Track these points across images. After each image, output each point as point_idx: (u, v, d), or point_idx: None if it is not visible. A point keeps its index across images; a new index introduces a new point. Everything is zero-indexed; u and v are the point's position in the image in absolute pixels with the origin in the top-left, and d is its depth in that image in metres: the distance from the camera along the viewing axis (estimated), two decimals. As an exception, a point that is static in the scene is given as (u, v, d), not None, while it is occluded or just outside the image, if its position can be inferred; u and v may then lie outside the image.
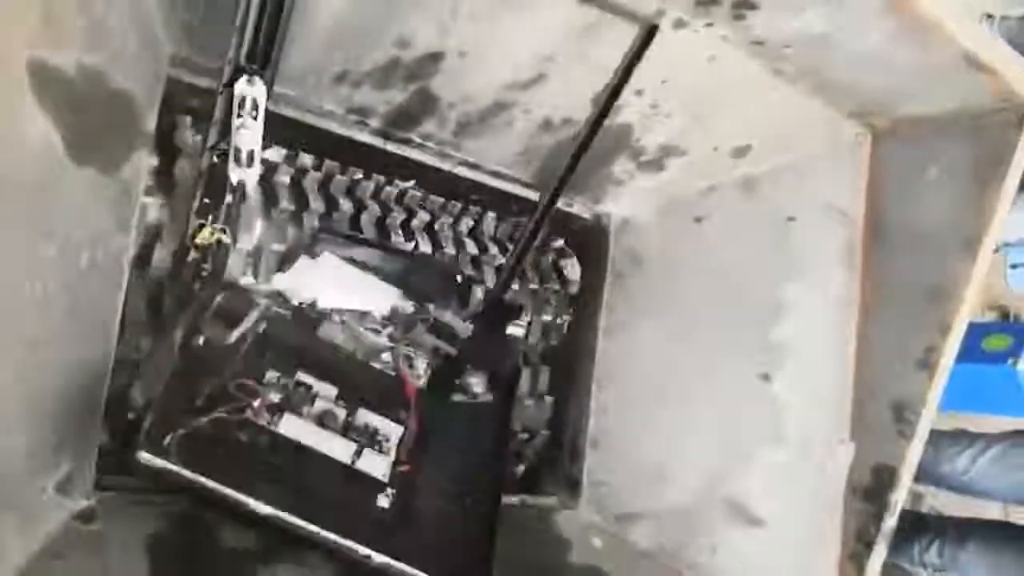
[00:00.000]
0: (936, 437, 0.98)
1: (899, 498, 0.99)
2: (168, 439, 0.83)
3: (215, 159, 0.93)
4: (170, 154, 0.98)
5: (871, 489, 1.00)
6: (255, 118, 0.89)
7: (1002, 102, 0.94)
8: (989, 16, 0.87)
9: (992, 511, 2.23)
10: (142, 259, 0.95)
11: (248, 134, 0.90)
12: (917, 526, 2.03)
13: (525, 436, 1.34)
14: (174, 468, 0.82)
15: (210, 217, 0.95)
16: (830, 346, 1.08)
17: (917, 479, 1.02)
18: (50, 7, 0.68)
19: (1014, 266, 2.96)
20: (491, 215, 1.28)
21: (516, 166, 1.20)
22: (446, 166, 1.17)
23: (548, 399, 1.35)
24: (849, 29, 0.88)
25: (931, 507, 2.45)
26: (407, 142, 1.11)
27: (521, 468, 1.35)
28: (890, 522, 0.99)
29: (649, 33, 0.95)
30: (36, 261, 0.71)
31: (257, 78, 0.86)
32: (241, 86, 0.86)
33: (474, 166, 1.19)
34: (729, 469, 1.15)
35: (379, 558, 0.90)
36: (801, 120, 1.09)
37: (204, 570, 0.83)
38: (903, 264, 1.04)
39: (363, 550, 0.89)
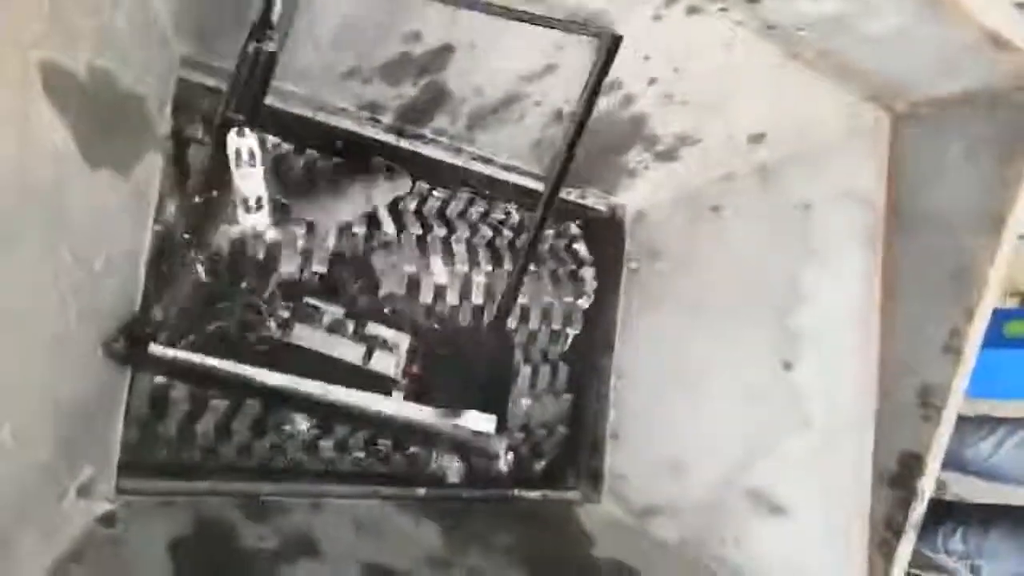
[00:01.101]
0: (959, 423, 0.97)
1: (927, 485, 0.98)
2: (180, 340, 0.89)
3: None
4: (183, 155, 0.97)
5: (897, 476, 0.99)
6: (253, 165, 0.89)
7: (1025, 79, 0.93)
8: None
9: (1018, 497, 2.21)
10: (157, 260, 0.95)
11: (251, 182, 0.90)
12: (940, 513, 2.02)
13: (545, 431, 1.34)
14: (183, 355, 0.87)
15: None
16: (853, 332, 1.07)
17: (942, 466, 1.00)
18: (60, 9, 0.67)
19: (1035, 251, 2.92)
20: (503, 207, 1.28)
21: (529, 159, 1.19)
22: (459, 161, 1.16)
23: (567, 394, 1.34)
24: (865, 10, 0.86)
25: (955, 494, 2.43)
26: (420, 138, 1.10)
27: (542, 462, 1.34)
28: (919, 509, 0.98)
29: (614, 44, 0.95)
30: (52, 264, 0.71)
31: (247, 129, 0.87)
32: (233, 139, 0.87)
33: (487, 160, 1.18)
34: (752, 459, 1.14)
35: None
36: (818, 105, 1.07)
37: (226, 571, 0.83)
38: (926, 248, 1.02)
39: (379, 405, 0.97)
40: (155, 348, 0.86)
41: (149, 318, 0.88)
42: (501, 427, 1.07)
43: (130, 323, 0.86)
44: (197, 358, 0.89)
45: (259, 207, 0.93)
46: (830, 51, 0.96)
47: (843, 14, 0.87)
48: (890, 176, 1.07)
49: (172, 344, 0.88)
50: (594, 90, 1.00)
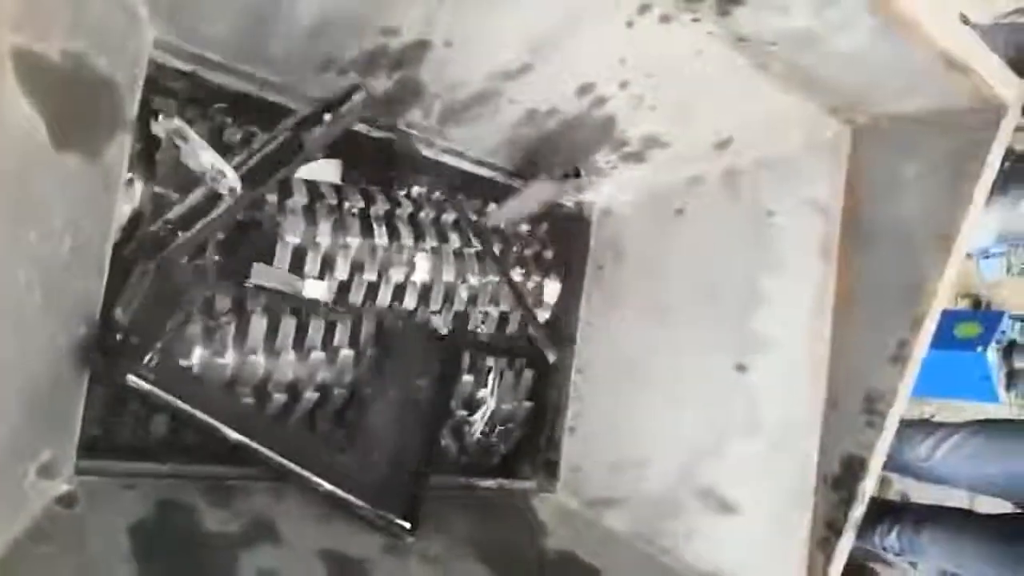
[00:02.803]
0: (900, 426, 1.02)
1: (868, 488, 1.02)
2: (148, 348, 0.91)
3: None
4: (152, 138, 0.97)
5: (840, 478, 1.03)
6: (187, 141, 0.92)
7: (979, 102, 0.96)
8: (965, 20, 0.89)
9: (951, 498, 2.29)
10: (124, 242, 0.95)
11: (197, 157, 0.92)
12: (878, 511, 2.09)
13: (504, 421, 1.36)
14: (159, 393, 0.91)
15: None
16: (806, 339, 1.10)
17: (883, 466, 1.05)
18: (34, -8, 0.67)
19: (986, 256, 3.02)
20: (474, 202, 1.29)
21: (501, 155, 1.21)
22: (430, 153, 1.17)
23: (527, 385, 1.37)
24: (832, 27, 0.89)
25: (899, 492, 2.52)
26: (391, 129, 1.11)
27: (500, 453, 1.36)
28: (858, 510, 1.02)
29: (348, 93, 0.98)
30: (17, 247, 0.71)
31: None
32: (158, 126, 0.91)
33: (459, 154, 1.19)
34: (704, 457, 1.18)
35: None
36: (783, 115, 1.10)
37: (186, 554, 0.84)
38: (879, 259, 1.06)
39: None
40: (132, 380, 0.89)
41: (116, 323, 0.89)
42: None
43: (101, 334, 0.87)
44: (172, 399, 0.92)
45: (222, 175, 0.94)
46: (797, 64, 0.98)
47: (811, 30, 0.90)
48: (848, 188, 1.10)
49: (142, 357, 0.90)
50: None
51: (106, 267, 0.87)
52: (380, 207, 1.18)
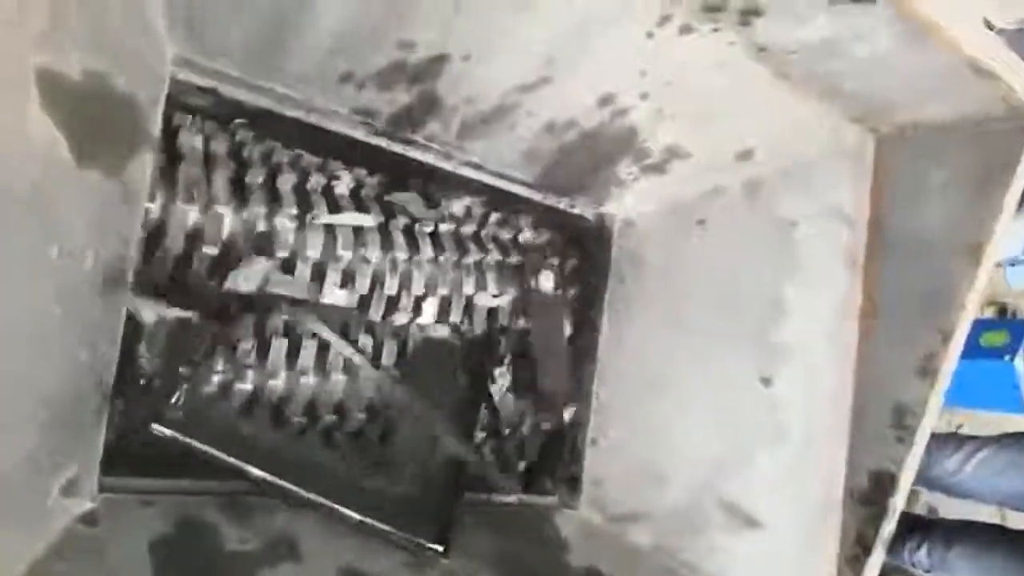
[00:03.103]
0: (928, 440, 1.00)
1: (898, 504, 1.00)
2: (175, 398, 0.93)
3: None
4: (173, 154, 0.98)
5: (869, 493, 1.01)
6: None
7: (1008, 109, 0.94)
8: (989, 25, 0.87)
9: (981, 513, 2.25)
10: (145, 259, 0.95)
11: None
12: (907, 526, 2.05)
13: (525, 434, 1.35)
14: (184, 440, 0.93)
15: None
16: (831, 350, 1.08)
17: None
18: (55, 10, 0.67)
19: (1012, 263, 2.97)
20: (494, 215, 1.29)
21: (519, 168, 1.20)
22: (449, 166, 1.16)
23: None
24: (855, 35, 0.88)
25: (926, 504, 2.47)
26: (411, 143, 1.11)
27: (520, 467, 1.35)
28: (889, 527, 1.00)
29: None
30: (40, 263, 0.71)
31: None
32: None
33: (477, 167, 1.19)
34: (728, 471, 1.16)
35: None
36: (806, 124, 1.08)
37: (207, 571, 0.83)
38: (905, 270, 1.04)
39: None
40: (157, 429, 0.92)
41: (138, 365, 0.91)
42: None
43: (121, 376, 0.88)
44: (197, 444, 0.94)
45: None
46: (818, 73, 0.97)
47: (833, 39, 0.89)
48: (874, 197, 1.09)
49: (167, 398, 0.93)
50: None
51: (128, 283, 0.87)
52: (400, 221, 1.18)
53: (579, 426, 1.34)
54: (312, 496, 0.96)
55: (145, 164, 0.87)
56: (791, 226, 1.16)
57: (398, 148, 1.11)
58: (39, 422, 0.75)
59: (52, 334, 0.76)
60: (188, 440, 0.92)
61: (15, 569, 0.70)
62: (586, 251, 1.38)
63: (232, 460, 0.94)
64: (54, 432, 0.77)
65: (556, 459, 1.35)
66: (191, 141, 1.00)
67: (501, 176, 1.22)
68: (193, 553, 0.84)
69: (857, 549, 1.01)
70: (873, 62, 0.91)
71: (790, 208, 1.16)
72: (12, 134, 0.64)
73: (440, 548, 1.01)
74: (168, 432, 0.91)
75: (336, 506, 0.97)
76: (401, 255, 1.16)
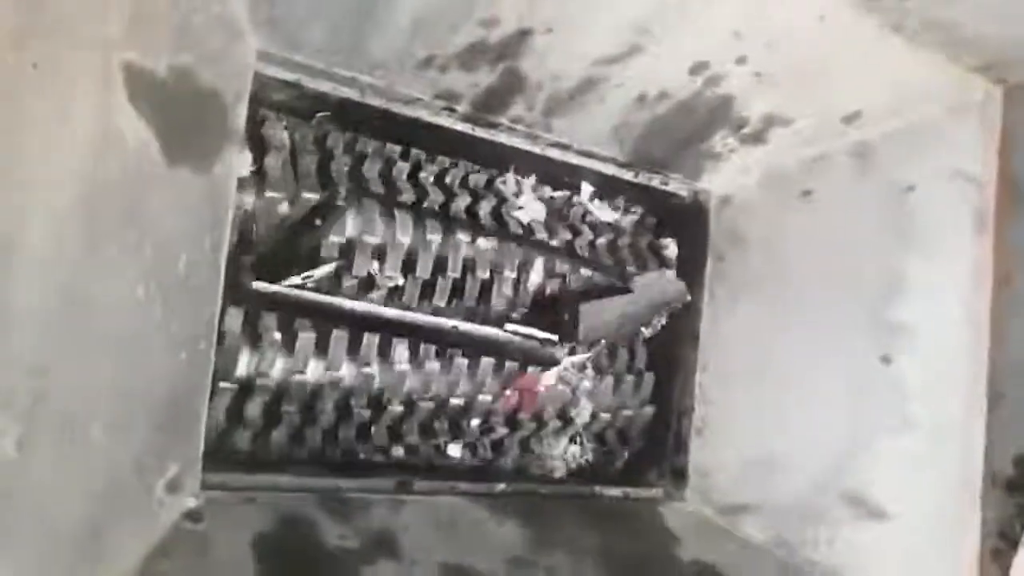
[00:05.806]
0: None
1: (1048, 491, 0.90)
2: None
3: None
4: (260, 149, 0.98)
5: (1015, 480, 0.92)
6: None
7: None
8: None
9: None
10: (237, 255, 0.95)
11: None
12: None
13: (626, 426, 1.30)
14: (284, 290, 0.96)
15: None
16: (960, 324, 1.00)
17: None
18: (140, 8, 0.67)
19: None
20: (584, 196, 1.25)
21: (608, 144, 1.15)
22: (536, 148, 1.13)
23: (649, 386, 1.30)
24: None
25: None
26: (495, 126, 1.07)
27: (623, 458, 1.30)
28: (1037, 517, 0.91)
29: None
30: (136, 262, 0.71)
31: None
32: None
33: (565, 147, 1.14)
34: (848, 457, 1.08)
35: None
36: (920, 79, 1.00)
37: (308, 569, 0.83)
38: (1044, 232, 0.94)
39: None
40: (258, 284, 0.94)
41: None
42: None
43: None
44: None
45: None
46: (938, 20, 0.89)
47: (954, -20, 0.81)
48: (1003, 154, 1.00)
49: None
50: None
51: (222, 278, 0.87)
52: (484, 204, 1.16)
53: (683, 414, 1.28)
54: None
55: (232, 159, 0.87)
56: (907, 191, 1.07)
57: (482, 133, 1.08)
58: (142, 420, 0.75)
59: (151, 333, 0.76)
60: (291, 293, 0.95)
61: (126, 565, 0.70)
62: (682, 230, 1.32)
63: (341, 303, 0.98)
64: (157, 431, 0.78)
65: (660, 450, 1.29)
66: (277, 134, 0.99)
67: (590, 155, 1.17)
68: (295, 550, 0.83)
69: (1001, 542, 0.92)
70: (1001, 2, 0.83)
71: (906, 172, 1.07)
72: (103, 130, 0.64)
73: None
74: (271, 288, 0.94)
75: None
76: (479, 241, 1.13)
